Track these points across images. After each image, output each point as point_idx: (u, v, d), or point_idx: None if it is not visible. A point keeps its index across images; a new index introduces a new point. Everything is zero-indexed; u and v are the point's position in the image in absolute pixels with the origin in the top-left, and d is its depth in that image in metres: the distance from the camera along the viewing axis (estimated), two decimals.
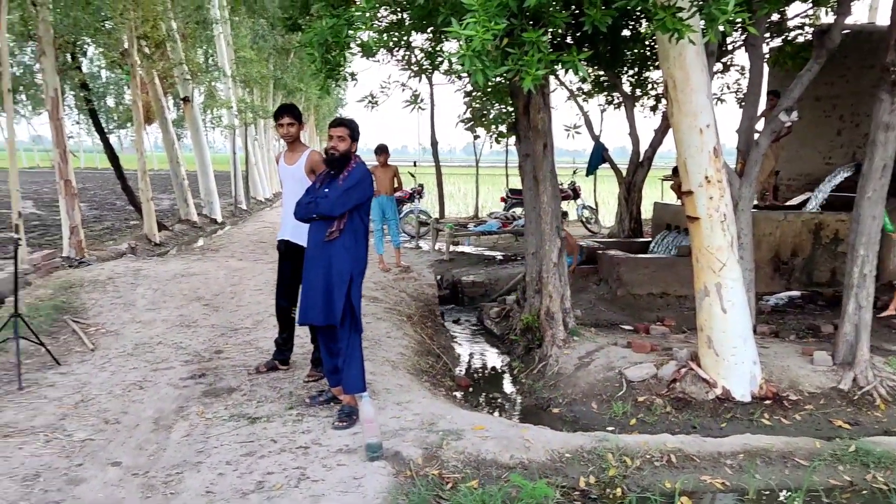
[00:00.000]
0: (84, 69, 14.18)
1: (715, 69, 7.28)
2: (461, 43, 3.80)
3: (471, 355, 7.43)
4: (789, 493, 3.95)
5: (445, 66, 6.42)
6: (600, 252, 9.40)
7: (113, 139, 16.96)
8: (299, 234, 5.02)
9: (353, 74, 6.58)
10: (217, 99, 19.55)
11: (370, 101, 6.64)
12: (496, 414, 5.57)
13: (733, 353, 5.22)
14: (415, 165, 15.58)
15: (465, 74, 6.91)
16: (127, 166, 15.15)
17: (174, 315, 7.10)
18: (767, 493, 3.96)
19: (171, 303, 7.55)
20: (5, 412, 4.55)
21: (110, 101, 27.71)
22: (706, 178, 5.07)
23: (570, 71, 4.22)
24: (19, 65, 18.70)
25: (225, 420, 4.46)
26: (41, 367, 5.50)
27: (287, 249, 5.21)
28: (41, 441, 4.10)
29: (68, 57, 11.90)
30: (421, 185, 15.39)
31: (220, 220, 18.13)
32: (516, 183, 16.06)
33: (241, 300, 7.76)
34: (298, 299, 5.22)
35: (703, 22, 4.15)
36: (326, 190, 4.37)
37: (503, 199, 16.68)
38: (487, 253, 12.56)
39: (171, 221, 15.97)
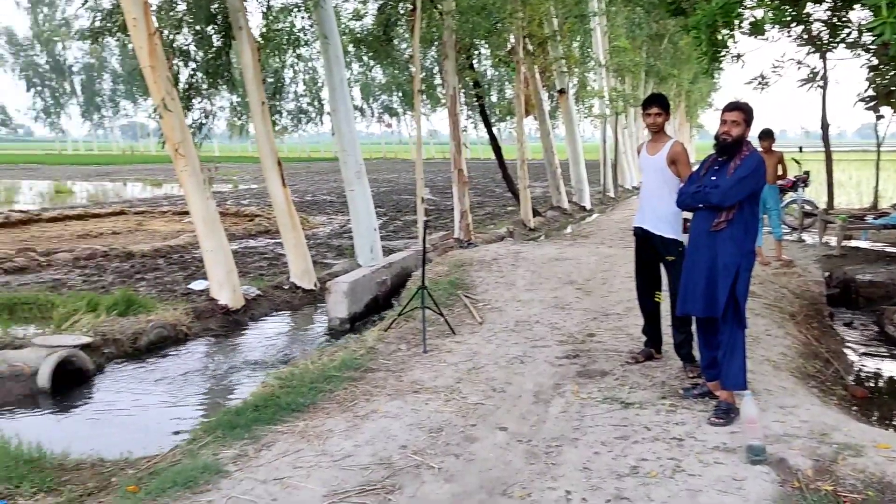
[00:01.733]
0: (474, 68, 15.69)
1: None
2: (882, 7, 3.33)
3: (867, 363, 6.55)
4: None
5: (853, 36, 5.70)
6: None
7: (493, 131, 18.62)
8: (660, 224, 4.97)
9: (739, 55, 6.22)
10: (589, 89, 20.09)
11: (760, 83, 6.21)
12: None
13: None
14: (800, 151, 14.12)
15: (873, 46, 6.08)
16: (505, 156, 16.43)
17: (549, 296, 7.52)
18: None
19: (547, 285, 8.01)
20: (414, 371, 5.31)
21: (493, 97, 30.40)
22: None
23: None
24: (422, 68, 21.49)
25: (598, 402, 4.60)
26: (440, 334, 6.27)
27: (644, 236, 5.17)
28: (442, 400, 4.69)
29: (463, 58, 13.30)
30: (806, 173, 13.89)
31: (588, 207, 18.67)
32: None
33: (612, 286, 7.90)
34: (662, 285, 5.19)
35: None
36: (714, 178, 4.20)
37: None
38: (889, 249, 10.91)
39: (543, 208, 16.94)
